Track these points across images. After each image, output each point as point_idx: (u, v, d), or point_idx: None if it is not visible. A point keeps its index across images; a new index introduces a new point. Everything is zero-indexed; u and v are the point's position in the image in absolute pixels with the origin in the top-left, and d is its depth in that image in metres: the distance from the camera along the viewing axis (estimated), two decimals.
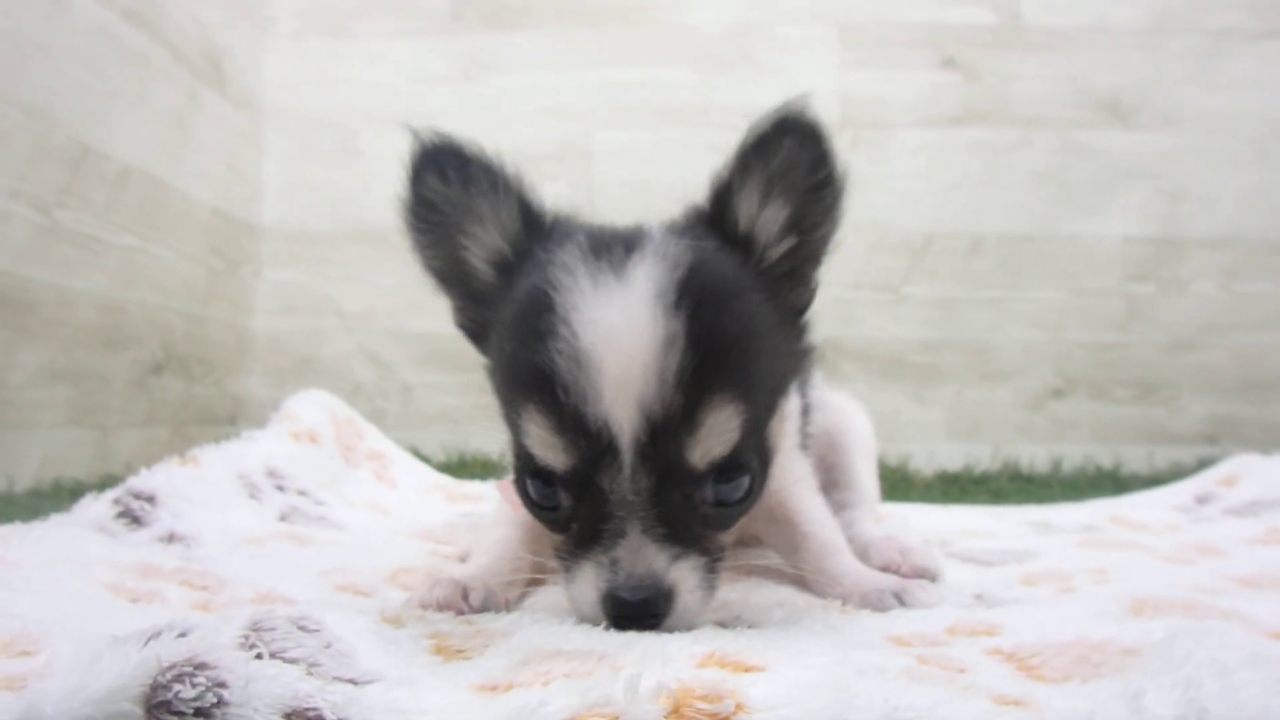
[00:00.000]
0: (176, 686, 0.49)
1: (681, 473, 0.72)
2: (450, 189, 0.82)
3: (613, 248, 0.76)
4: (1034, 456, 2.68)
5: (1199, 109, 2.76)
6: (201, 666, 0.50)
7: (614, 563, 0.71)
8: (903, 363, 2.79)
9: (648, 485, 0.71)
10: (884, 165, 2.79)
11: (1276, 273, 2.74)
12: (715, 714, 0.49)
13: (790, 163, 0.80)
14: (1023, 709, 0.48)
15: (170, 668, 0.50)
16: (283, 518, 1.20)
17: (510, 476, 0.91)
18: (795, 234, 0.82)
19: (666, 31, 2.86)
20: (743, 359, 0.74)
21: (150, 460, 2.52)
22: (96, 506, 1.00)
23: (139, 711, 0.48)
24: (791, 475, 0.97)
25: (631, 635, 0.67)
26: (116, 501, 1.00)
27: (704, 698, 0.50)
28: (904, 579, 0.92)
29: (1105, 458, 2.66)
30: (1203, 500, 1.51)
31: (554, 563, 1.24)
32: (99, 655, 0.52)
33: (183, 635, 0.52)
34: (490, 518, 1.04)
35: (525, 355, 0.72)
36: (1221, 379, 2.72)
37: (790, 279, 0.84)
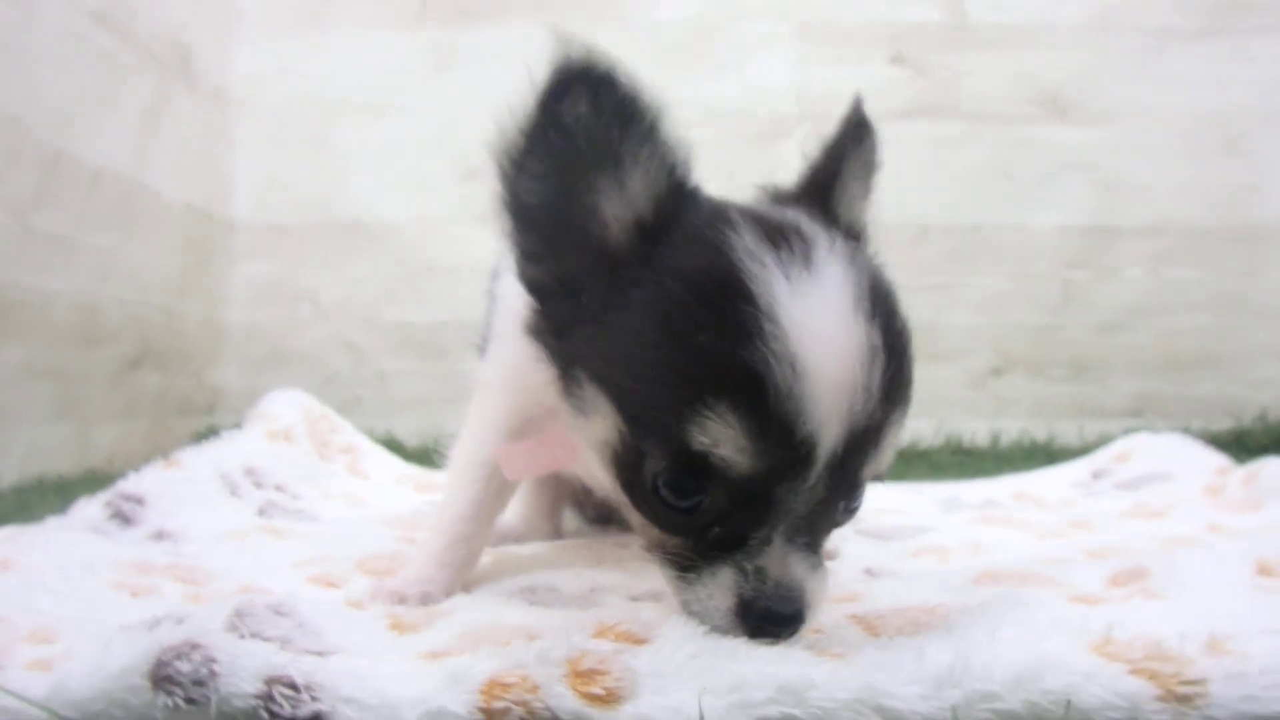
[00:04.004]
0: (176, 663, 0.60)
1: (848, 486, 0.69)
2: (600, 122, 0.69)
3: (790, 240, 0.69)
4: (975, 431, 2.84)
5: (1134, 105, 2.88)
6: (195, 646, 0.61)
7: (759, 571, 0.67)
8: None
9: (820, 497, 0.67)
10: None
11: (1200, 259, 2.89)
12: (608, 673, 0.62)
13: (871, 159, 0.84)
14: (839, 660, 0.62)
15: (170, 648, 0.62)
16: (261, 512, 1.30)
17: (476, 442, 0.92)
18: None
19: (632, 26, 2.93)
20: (912, 368, 0.72)
21: (131, 452, 2.61)
22: (90, 509, 1.11)
23: (147, 684, 0.60)
24: None
25: (545, 613, 0.79)
26: (108, 504, 1.11)
27: (599, 662, 0.64)
28: None
29: (1040, 431, 2.83)
30: (1098, 475, 1.63)
31: (519, 533, 1.29)
32: (111, 640, 0.64)
33: (179, 622, 0.64)
34: (443, 496, 1.01)
35: (722, 348, 0.64)
36: (1147, 358, 2.89)
37: None
